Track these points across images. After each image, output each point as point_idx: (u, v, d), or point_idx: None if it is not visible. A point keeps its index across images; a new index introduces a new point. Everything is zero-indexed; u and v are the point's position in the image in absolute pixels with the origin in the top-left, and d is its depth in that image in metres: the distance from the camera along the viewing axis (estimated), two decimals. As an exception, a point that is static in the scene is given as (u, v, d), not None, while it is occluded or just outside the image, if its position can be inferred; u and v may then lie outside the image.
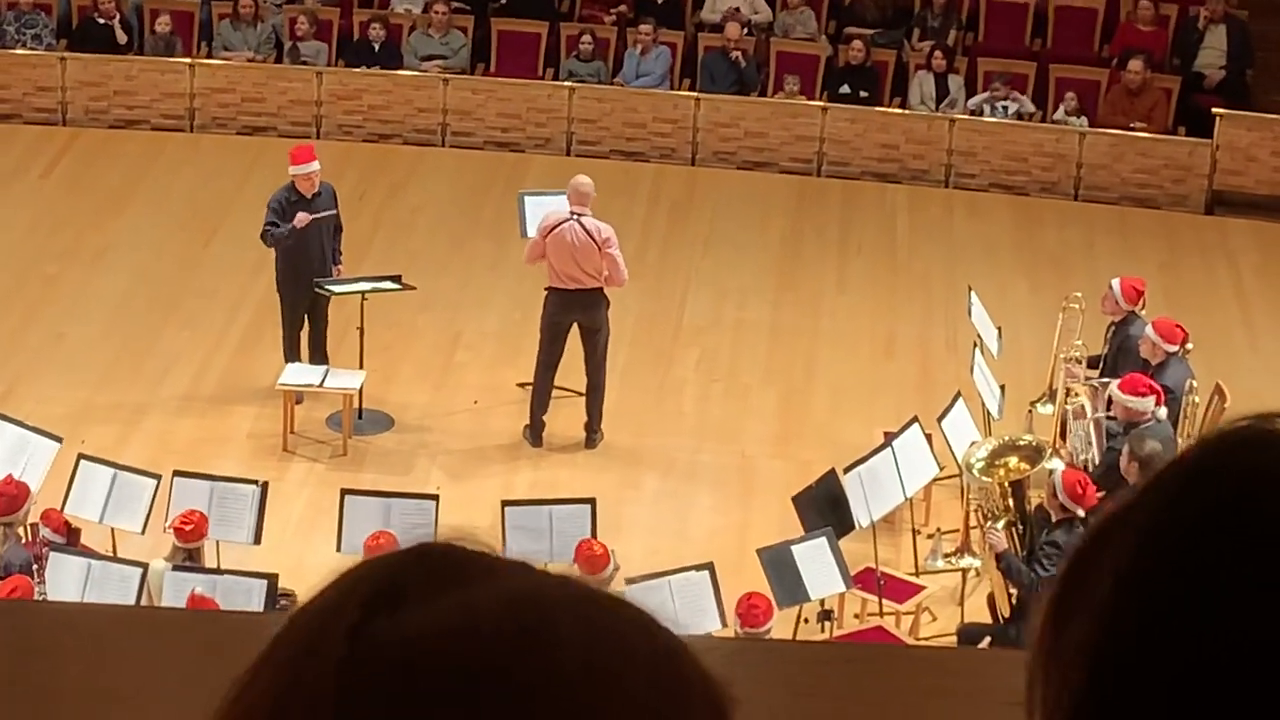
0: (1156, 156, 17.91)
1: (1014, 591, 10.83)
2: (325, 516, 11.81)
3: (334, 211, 13.78)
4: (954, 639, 11.12)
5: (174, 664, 2.63)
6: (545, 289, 13.31)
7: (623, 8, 19.44)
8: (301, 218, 13.47)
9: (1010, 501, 11.08)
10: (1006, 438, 11.63)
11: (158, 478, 11.51)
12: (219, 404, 13.80)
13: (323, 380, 13.44)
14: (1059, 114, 18.15)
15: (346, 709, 1.12)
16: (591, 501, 11.47)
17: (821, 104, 18.30)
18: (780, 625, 10.53)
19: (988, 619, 11.21)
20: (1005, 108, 18.09)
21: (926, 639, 11.35)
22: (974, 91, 18.40)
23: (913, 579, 11.80)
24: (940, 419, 12.19)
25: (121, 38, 18.76)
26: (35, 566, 10.58)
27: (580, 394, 13.54)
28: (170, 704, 2.44)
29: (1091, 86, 18.40)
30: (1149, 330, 12.57)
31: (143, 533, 11.41)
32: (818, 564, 10.76)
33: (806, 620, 11.17)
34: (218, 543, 11.24)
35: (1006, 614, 10.92)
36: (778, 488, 12.52)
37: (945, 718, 2.63)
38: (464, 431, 13.63)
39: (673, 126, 18.30)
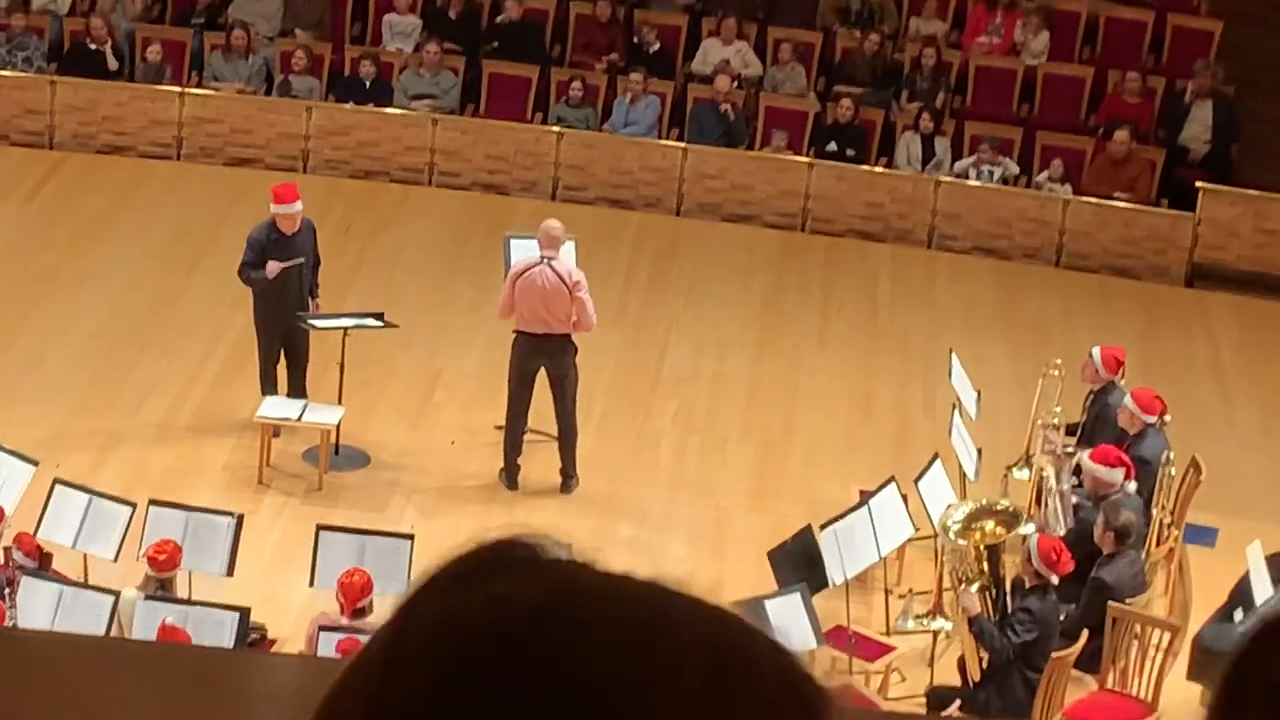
0: (1139, 227, 17.98)
1: (985, 655, 10.83)
2: (299, 551, 11.78)
3: (303, 260, 13.66)
4: (923, 701, 11.12)
5: (143, 697, 2.62)
6: (513, 331, 13.27)
7: (614, 55, 19.51)
8: (272, 268, 13.44)
9: (985, 565, 11.07)
10: (984, 501, 11.63)
11: (133, 505, 11.47)
12: (195, 434, 13.77)
13: (301, 414, 13.42)
14: (1042, 178, 18.22)
15: (388, 676, 1.23)
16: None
17: (808, 160, 18.35)
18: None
19: (957, 682, 11.19)
20: (991, 172, 18.16)
21: (896, 699, 11.34)
22: (960, 154, 18.47)
23: (884, 639, 11.79)
24: (917, 480, 12.21)
25: (113, 64, 18.76)
26: (7, 590, 10.53)
27: (554, 438, 13.54)
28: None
29: (1077, 155, 18.47)
30: (1127, 400, 12.61)
31: (115, 560, 11.36)
32: (791, 619, 10.74)
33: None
34: (190, 573, 11.20)
35: (977, 678, 10.91)
36: (752, 541, 12.52)
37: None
38: (440, 471, 13.61)
39: (659, 176, 18.33)
